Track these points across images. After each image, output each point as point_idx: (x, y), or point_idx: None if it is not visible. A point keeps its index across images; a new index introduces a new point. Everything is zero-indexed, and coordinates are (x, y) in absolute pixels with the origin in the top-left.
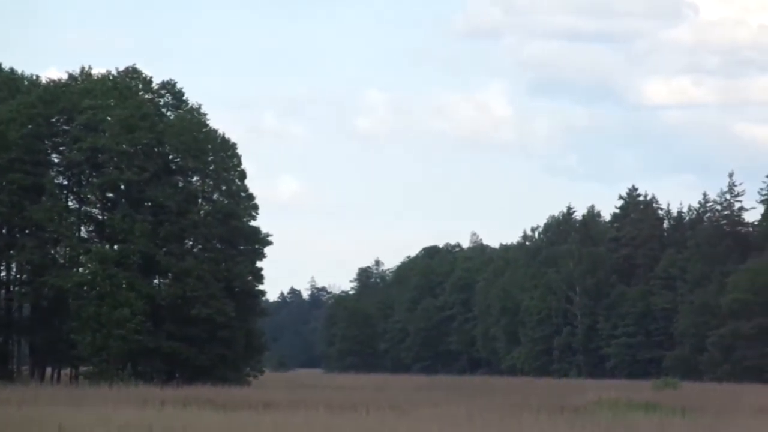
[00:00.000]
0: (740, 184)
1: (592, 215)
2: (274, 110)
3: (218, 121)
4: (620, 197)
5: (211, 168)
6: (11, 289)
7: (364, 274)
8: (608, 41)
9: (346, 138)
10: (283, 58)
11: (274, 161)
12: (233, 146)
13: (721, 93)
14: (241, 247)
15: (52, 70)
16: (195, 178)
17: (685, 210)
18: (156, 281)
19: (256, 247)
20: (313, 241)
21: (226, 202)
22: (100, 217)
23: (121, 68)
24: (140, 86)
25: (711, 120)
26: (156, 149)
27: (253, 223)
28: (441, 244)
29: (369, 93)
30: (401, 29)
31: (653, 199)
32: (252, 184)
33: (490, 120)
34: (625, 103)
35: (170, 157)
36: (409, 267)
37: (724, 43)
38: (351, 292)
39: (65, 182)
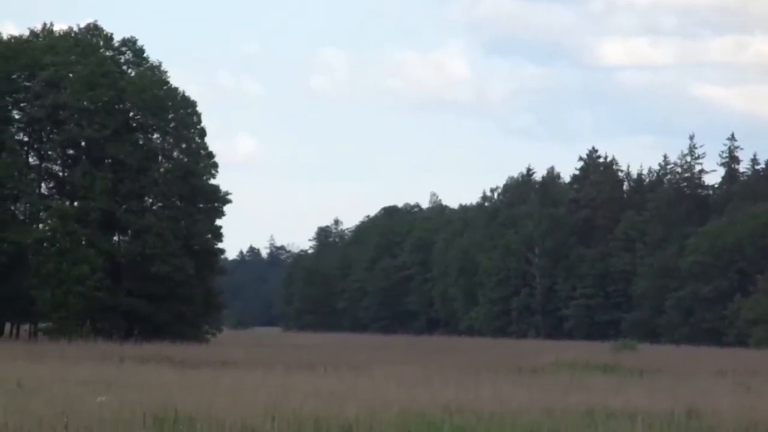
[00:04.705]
0: (701, 146)
1: (552, 176)
2: (230, 68)
3: (174, 78)
4: (580, 158)
5: (171, 126)
6: None
7: (322, 234)
8: (564, 1)
9: (303, 96)
10: (238, 14)
11: (231, 119)
12: (193, 104)
13: (678, 54)
14: (201, 205)
15: (9, 26)
16: (155, 136)
17: (645, 172)
18: (116, 238)
19: (216, 205)
20: (272, 200)
21: (185, 160)
22: (60, 173)
23: (83, 25)
24: (101, 43)
25: (669, 81)
26: (117, 106)
27: (212, 181)
28: (400, 204)
29: (325, 51)
30: None
31: (613, 161)
32: (209, 142)
33: (447, 79)
34: (582, 64)
35: (131, 114)
36: (368, 226)
37: (680, 3)
38: (310, 251)
39: (26, 138)
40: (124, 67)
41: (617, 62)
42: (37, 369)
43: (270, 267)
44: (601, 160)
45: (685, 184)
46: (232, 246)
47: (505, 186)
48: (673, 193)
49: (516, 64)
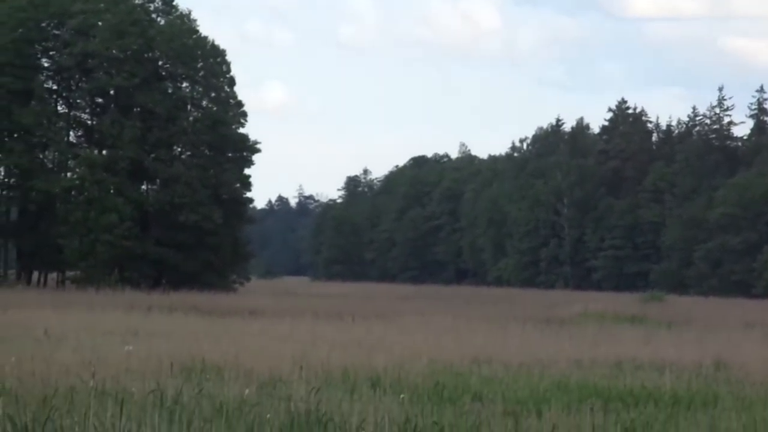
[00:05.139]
0: (730, 98)
1: (581, 127)
2: (259, 17)
3: (204, 27)
4: (609, 109)
5: (200, 75)
6: None
7: (351, 183)
8: None
9: (332, 45)
10: None
11: (260, 68)
12: (222, 53)
13: (708, 6)
14: (229, 155)
15: None
16: (184, 85)
17: (674, 123)
18: (144, 187)
19: (244, 154)
20: (301, 149)
21: (214, 108)
22: (89, 122)
23: None
24: None
25: (698, 33)
26: (146, 55)
27: (241, 130)
28: (429, 154)
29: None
30: None
31: (642, 112)
32: (238, 90)
33: (478, 29)
34: (612, 15)
35: (160, 63)
36: (397, 176)
37: None
38: (339, 201)
39: (55, 87)
40: (154, 16)
41: (647, 13)
42: (64, 318)
43: (299, 216)
44: (631, 111)
45: (714, 135)
46: (260, 195)
47: (535, 136)
48: (702, 145)
49: (546, 14)
